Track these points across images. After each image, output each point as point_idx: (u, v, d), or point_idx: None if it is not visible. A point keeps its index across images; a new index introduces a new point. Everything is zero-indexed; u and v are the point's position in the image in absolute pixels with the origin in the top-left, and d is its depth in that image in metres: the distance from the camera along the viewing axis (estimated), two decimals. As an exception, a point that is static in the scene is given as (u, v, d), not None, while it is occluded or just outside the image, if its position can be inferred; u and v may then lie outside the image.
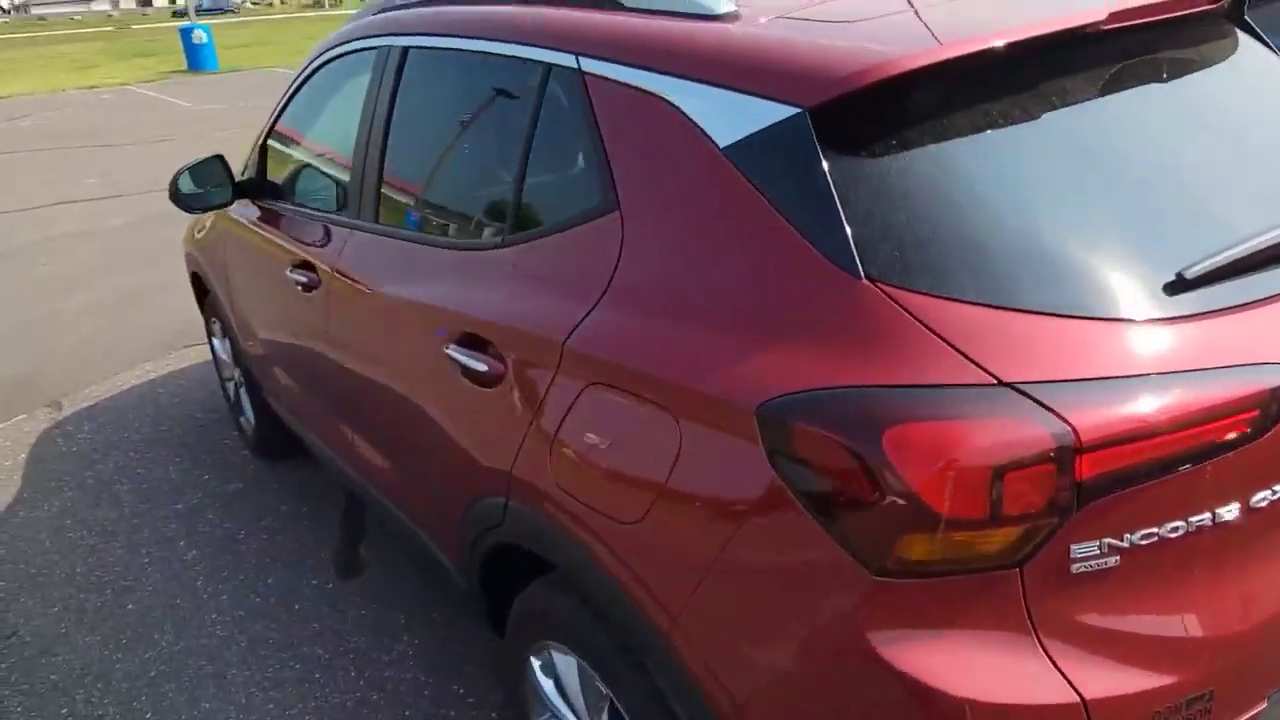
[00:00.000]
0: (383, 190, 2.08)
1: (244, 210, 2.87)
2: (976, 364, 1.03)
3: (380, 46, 2.13)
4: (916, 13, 1.35)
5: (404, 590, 2.80)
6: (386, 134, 2.06)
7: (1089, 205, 1.20)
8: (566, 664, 1.63)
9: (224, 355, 3.68)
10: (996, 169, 1.19)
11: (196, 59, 20.61)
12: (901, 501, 1.00)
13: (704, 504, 1.19)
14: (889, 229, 1.12)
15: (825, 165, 1.15)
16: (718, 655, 1.20)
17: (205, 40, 20.28)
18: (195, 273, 3.58)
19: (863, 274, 1.10)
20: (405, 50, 2.02)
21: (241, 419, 3.73)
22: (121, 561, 3.07)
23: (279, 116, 2.75)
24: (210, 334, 3.80)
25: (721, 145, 1.26)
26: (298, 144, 2.74)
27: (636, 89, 1.39)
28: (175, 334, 5.03)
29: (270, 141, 2.80)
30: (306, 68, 2.56)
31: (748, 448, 1.12)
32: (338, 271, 2.19)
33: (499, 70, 1.74)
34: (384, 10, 2.25)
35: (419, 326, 1.83)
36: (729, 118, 1.26)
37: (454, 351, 1.66)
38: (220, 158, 2.76)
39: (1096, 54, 1.28)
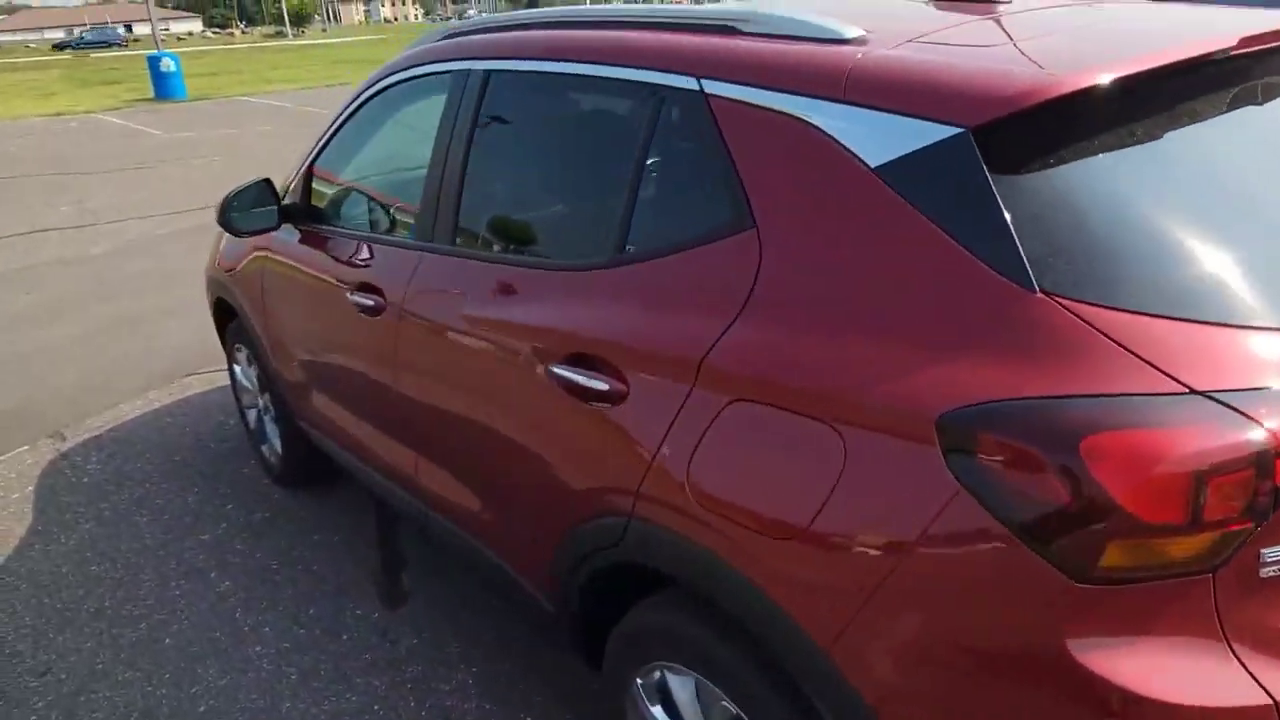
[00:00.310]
0: (464, 213, 2.08)
1: (286, 235, 2.84)
2: (1165, 373, 1.05)
3: (457, 71, 2.13)
4: (1039, 39, 1.40)
5: (453, 618, 2.76)
6: (467, 157, 2.05)
7: (1246, 216, 1.24)
8: (682, 684, 1.62)
9: (247, 383, 3.62)
10: (1155, 182, 1.23)
11: (164, 87, 20.42)
12: (1102, 510, 1.02)
13: (874, 515, 1.19)
14: (1059, 243, 1.15)
15: (991, 182, 1.18)
16: (888, 670, 1.20)
17: (173, 69, 20.11)
18: (220, 299, 3.52)
19: (1037, 287, 1.13)
20: (488, 74, 2.03)
21: (263, 448, 3.66)
22: (152, 594, 2.98)
23: (328, 142, 2.73)
24: (232, 361, 3.73)
25: (873, 165, 1.29)
26: (354, 169, 2.72)
27: (771, 110, 1.42)
28: (171, 364, 4.94)
29: (318, 166, 2.78)
30: (362, 94, 2.55)
31: (925, 458, 1.13)
32: (410, 294, 2.17)
33: (604, 93, 1.76)
34: (454, 36, 2.26)
35: (514, 347, 1.82)
36: (880, 138, 1.29)
37: (564, 370, 1.66)
38: (268, 181, 2.74)
39: (1231, 73, 1.33)
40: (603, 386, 1.58)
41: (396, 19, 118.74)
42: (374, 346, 2.37)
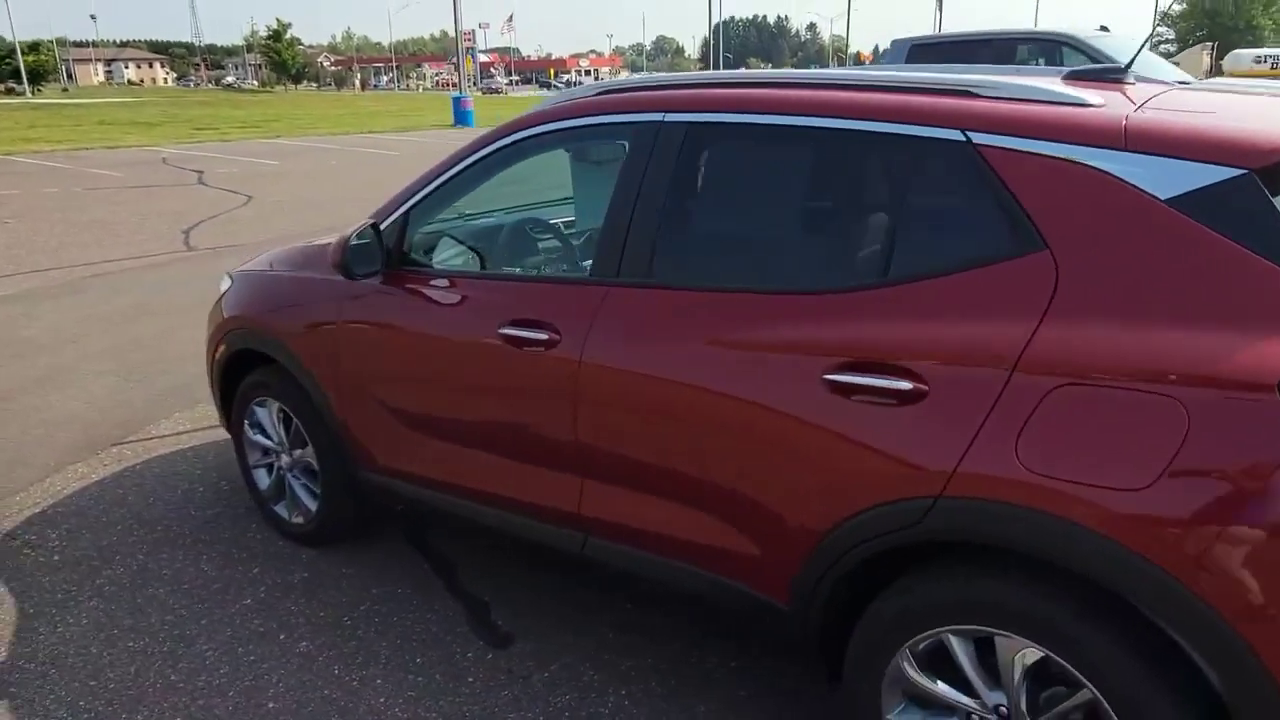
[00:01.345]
0: (670, 248, 2.26)
1: (371, 279, 2.85)
2: None
3: (643, 122, 2.34)
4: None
5: (566, 645, 2.81)
6: (671, 198, 2.26)
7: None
8: (963, 645, 1.88)
9: (267, 439, 3.46)
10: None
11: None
12: None
13: (1223, 464, 1.54)
14: None
15: (1275, 206, 1.60)
16: (1244, 597, 1.51)
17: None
18: (244, 350, 3.37)
19: (1318, 281, 1.55)
20: (691, 125, 2.26)
21: (278, 507, 3.50)
22: (223, 662, 2.78)
23: (434, 189, 2.80)
24: (242, 419, 3.54)
25: (1163, 197, 1.68)
26: (487, 211, 2.80)
27: (1051, 157, 1.78)
28: (87, 434, 4.52)
29: (417, 211, 2.83)
30: (493, 144, 2.65)
31: (1263, 413, 1.50)
32: (598, 326, 2.31)
33: (852, 143, 2.04)
34: (618, 91, 2.47)
35: (772, 362, 2.03)
36: (1165, 177, 1.68)
37: (850, 377, 1.90)
38: (375, 226, 2.76)
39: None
40: (904, 386, 1.84)
41: (144, 81, 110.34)
42: (534, 380, 2.46)
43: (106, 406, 4.93)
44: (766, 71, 2.31)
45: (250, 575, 3.28)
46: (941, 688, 1.93)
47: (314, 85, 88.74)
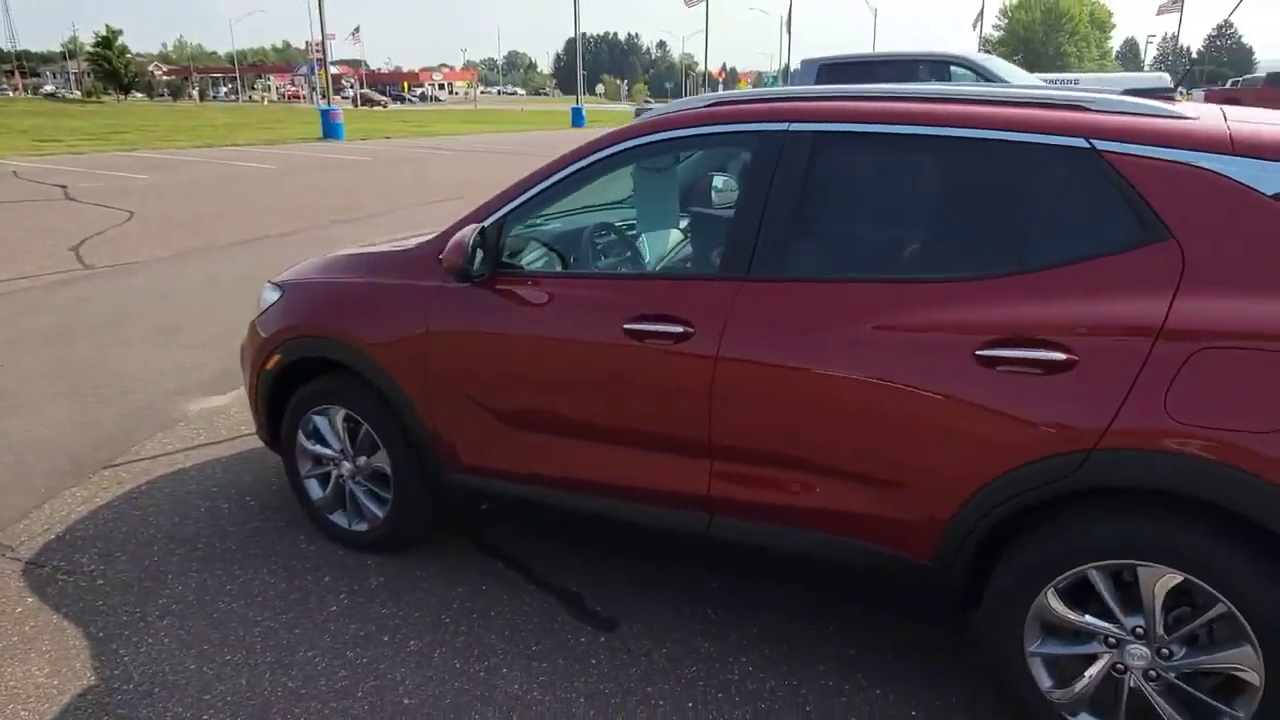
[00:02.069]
0: (802, 246, 2.50)
1: (465, 282, 2.94)
2: None
3: (770, 131, 2.56)
4: None
5: (676, 624, 2.97)
6: (803, 199, 2.49)
7: None
8: (1102, 577, 2.19)
9: (328, 448, 3.44)
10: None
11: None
12: None
13: None
14: None
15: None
16: None
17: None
18: (302, 359, 3.35)
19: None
20: (819, 133, 2.50)
21: (335, 515, 3.49)
22: (336, 666, 2.79)
23: (543, 193, 2.92)
24: (296, 430, 3.50)
25: (1268, 193, 2.04)
26: (601, 214, 2.93)
27: (1169, 161, 2.13)
28: (69, 459, 4.31)
29: (514, 215, 2.94)
30: (600, 152, 2.81)
31: None
32: (736, 318, 2.50)
33: (977, 152, 2.33)
34: (740, 102, 2.69)
35: (918, 342, 2.29)
36: (1267, 176, 2.05)
37: (1000, 351, 2.18)
38: (483, 230, 2.86)
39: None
40: (1057, 357, 2.14)
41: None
42: (663, 371, 2.63)
43: (74, 430, 4.68)
44: (874, 87, 2.58)
45: (323, 583, 3.26)
46: (1089, 618, 2.24)
47: (145, 96, 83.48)
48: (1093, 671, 2.26)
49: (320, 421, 3.43)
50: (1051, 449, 2.16)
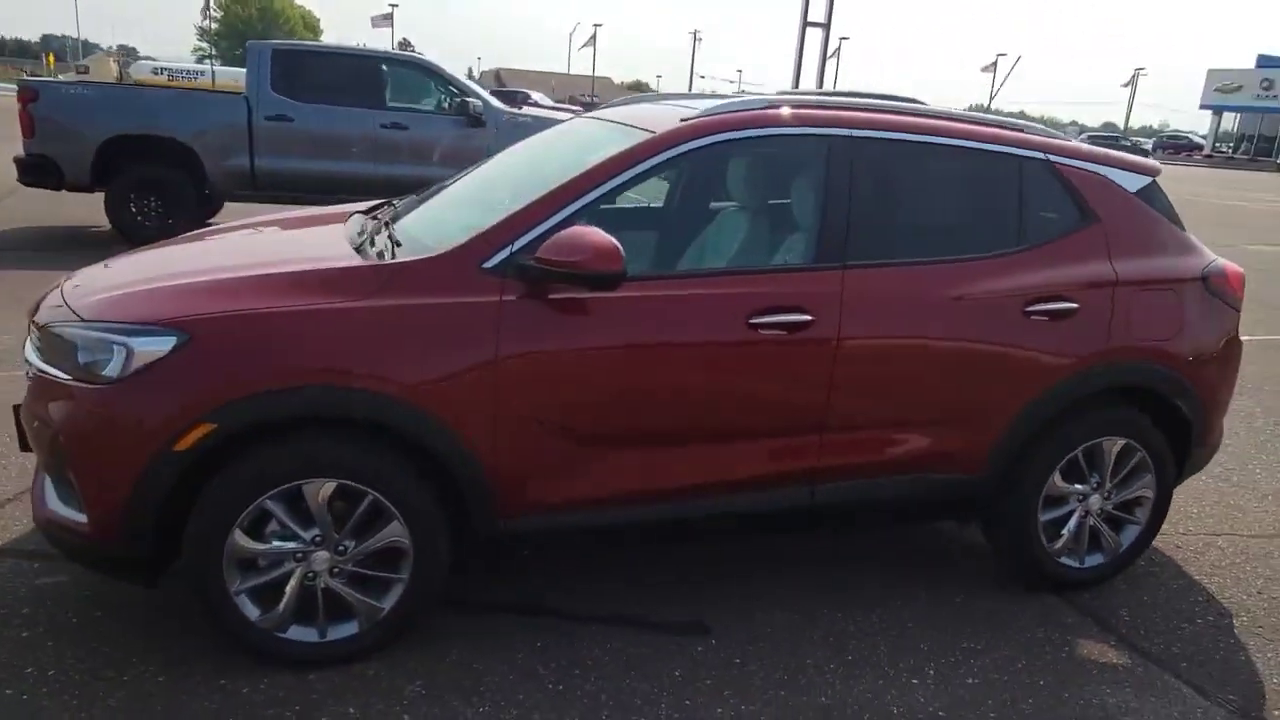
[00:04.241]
0: (879, 234, 2.88)
1: (527, 300, 2.57)
2: None
3: (836, 136, 2.85)
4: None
5: (770, 621, 3.07)
6: (882, 196, 2.88)
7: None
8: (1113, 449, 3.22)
9: (293, 541, 2.50)
10: None
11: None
12: None
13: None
14: None
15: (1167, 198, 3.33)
16: None
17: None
18: (256, 424, 2.37)
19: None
20: (883, 140, 2.90)
21: (295, 631, 2.59)
22: None
23: (606, 195, 2.66)
24: (228, 530, 2.42)
25: (1133, 190, 3.25)
26: (676, 216, 2.70)
27: (1086, 170, 3.18)
28: None
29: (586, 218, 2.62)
30: (659, 153, 2.73)
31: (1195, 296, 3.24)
32: (848, 302, 2.79)
33: (978, 159, 3.04)
34: (801, 108, 2.90)
35: (987, 305, 2.93)
36: (1130, 181, 3.25)
37: (1038, 306, 2.98)
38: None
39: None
40: (1071, 306, 3.03)
41: None
42: (788, 359, 2.77)
43: None
44: (895, 104, 3.16)
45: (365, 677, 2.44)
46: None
47: None
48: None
49: (278, 506, 2.47)
50: (1073, 370, 3.07)
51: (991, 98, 54.86)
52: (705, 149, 2.81)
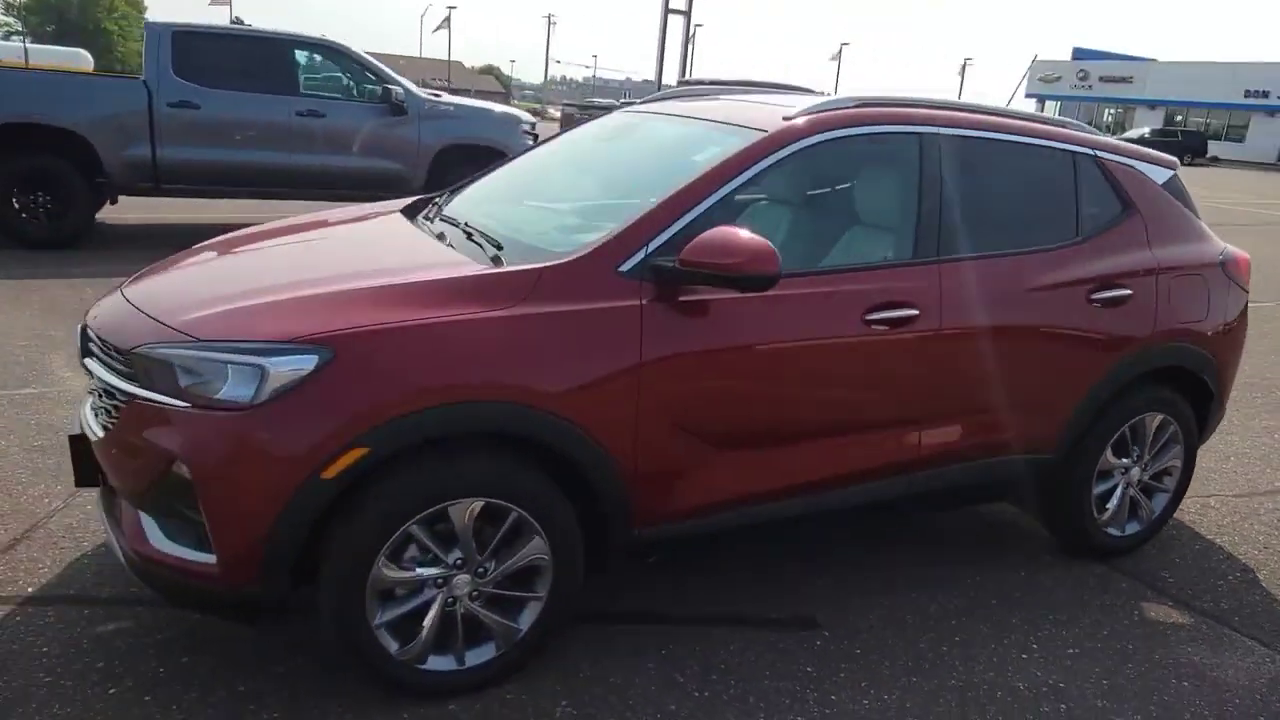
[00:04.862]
0: (966, 228, 2.96)
1: (663, 306, 2.53)
2: None
3: (925, 134, 2.92)
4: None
5: (872, 605, 3.12)
6: (967, 193, 2.95)
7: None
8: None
9: (435, 566, 2.36)
10: None
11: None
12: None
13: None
14: None
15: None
16: None
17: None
18: (404, 447, 2.22)
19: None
20: (960, 137, 2.98)
21: (434, 661, 2.45)
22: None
23: (729, 195, 2.62)
24: (371, 560, 2.26)
25: (1160, 182, 3.49)
26: (791, 213, 2.68)
27: (1124, 164, 3.38)
28: None
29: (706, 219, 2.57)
30: (771, 154, 2.73)
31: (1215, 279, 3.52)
32: (946, 296, 2.87)
33: (1040, 156, 3.18)
34: (889, 107, 2.95)
35: (1058, 295, 3.09)
36: (1157, 174, 3.49)
37: (1101, 294, 3.16)
38: None
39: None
40: (1125, 293, 3.23)
41: None
42: (898, 353, 2.82)
43: None
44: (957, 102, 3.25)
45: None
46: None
47: None
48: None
49: (422, 530, 2.33)
50: (1129, 351, 3.28)
51: (836, 86, 57.20)
52: (814, 147, 2.81)
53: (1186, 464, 3.62)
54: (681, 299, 2.53)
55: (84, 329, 2.60)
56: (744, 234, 2.44)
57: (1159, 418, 3.48)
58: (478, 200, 3.36)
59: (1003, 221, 3.20)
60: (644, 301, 2.48)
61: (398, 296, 2.35)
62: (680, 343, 2.53)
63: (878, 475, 2.95)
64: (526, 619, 2.53)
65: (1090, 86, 57.87)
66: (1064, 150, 3.30)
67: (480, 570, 2.42)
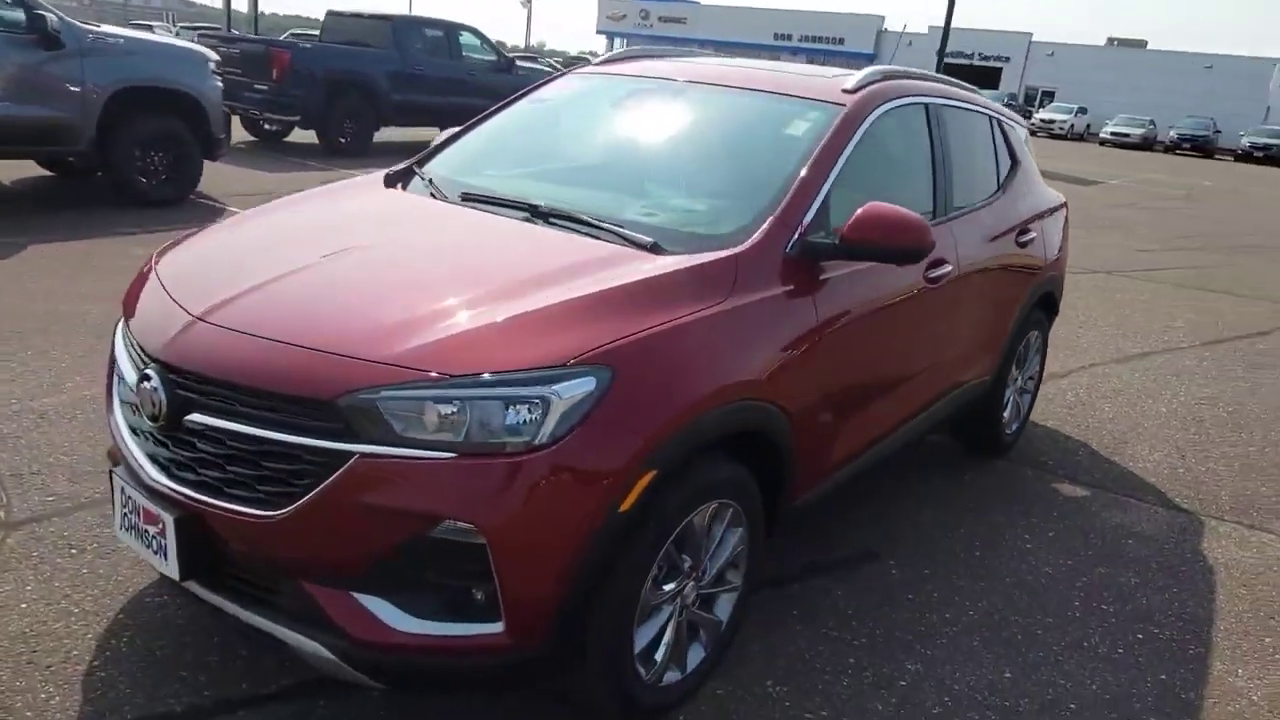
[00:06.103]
0: (959, 189, 3.35)
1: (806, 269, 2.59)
2: None
3: (929, 103, 3.22)
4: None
5: (932, 558, 3.45)
6: (958, 157, 3.33)
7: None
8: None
9: (680, 573, 2.23)
10: None
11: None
12: None
13: None
14: None
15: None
16: None
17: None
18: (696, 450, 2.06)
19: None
20: (944, 106, 3.31)
21: (669, 674, 2.35)
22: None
23: (840, 168, 2.70)
24: (645, 573, 2.08)
25: (1023, 138, 4.18)
26: (873, 178, 2.81)
27: (1010, 124, 4.01)
28: None
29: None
30: (865, 119, 2.86)
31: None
32: (962, 252, 3.26)
33: (980, 120, 3.64)
34: (903, 78, 3.17)
35: (1006, 238, 3.63)
36: (1021, 131, 4.17)
37: (1022, 238, 3.78)
38: None
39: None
40: (1035, 236, 3.88)
41: None
42: (936, 302, 3.14)
43: None
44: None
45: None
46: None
47: None
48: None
49: (680, 536, 2.19)
50: (1036, 283, 3.97)
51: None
52: (881, 118, 2.98)
53: (1042, 365, 4.50)
54: (825, 275, 2.60)
55: (170, 378, 1.97)
56: (897, 210, 2.55)
57: (1034, 334, 4.26)
58: (504, 175, 3.13)
59: (967, 179, 3.65)
60: (816, 279, 2.51)
61: (622, 299, 2.12)
62: (833, 315, 2.60)
63: (915, 415, 3.29)
64: (723, 610, 2.49)
65: (651, 25, 62.71)
66: (984, 114, 3.84)
67: (700, 572, 2.34)
